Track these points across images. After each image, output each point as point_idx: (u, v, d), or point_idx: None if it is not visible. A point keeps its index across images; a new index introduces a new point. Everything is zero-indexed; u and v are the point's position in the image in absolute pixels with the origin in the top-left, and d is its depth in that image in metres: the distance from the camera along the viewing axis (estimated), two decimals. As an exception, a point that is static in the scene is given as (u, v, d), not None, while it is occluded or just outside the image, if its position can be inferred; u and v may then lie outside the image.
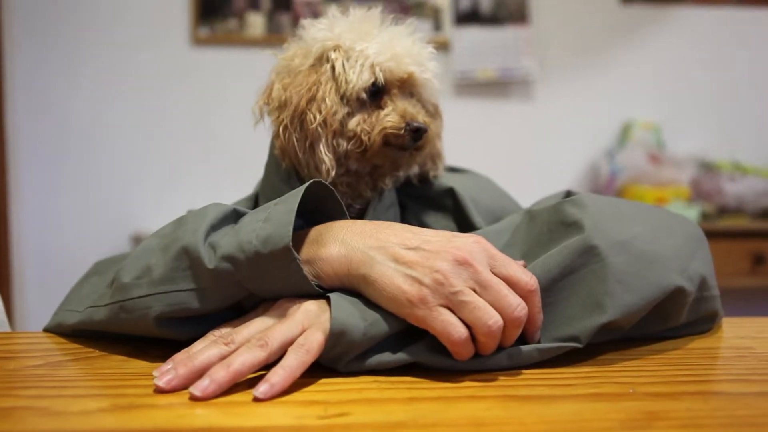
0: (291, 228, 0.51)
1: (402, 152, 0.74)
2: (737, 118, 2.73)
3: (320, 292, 0.53)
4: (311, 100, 0.71)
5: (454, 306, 0.50)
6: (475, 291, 0.50)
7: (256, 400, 0.46)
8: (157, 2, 2.55)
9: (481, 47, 2.62)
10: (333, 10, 0.77)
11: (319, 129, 0.71)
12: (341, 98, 0.72)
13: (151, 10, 2.54)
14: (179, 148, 2.58)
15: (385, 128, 0.72)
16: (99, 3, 2.52)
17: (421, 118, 0.74)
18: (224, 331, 0.53)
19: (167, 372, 0.48)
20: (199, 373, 0.48)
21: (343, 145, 0.73)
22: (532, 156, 2.68)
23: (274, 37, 2.54)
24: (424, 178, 0.81)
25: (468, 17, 2.63)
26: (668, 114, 2.68)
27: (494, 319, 0.49)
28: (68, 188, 2.54)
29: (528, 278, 0.52)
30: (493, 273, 0.51)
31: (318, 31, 0.75)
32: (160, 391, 0.47)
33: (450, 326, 0.49)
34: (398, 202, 0.80)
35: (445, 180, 0.80)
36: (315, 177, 0.69)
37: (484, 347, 0.51)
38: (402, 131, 0.72)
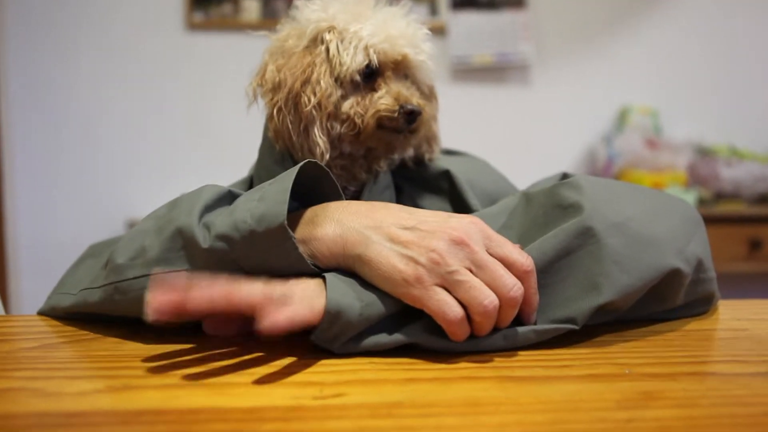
0: (286, 206, 0.51)
1: (396, 135, 0.74)
2: (734, 104, 2.73)
3: (316, 271, 0.53)
4: (306, 82, 0.71)
5: (449, 285, 0.49)
6: (471, 271, 0.50)
7: (259, 333, 0.45)
8: (151, -13, 2.53)
9: (477, 32, 2.61)
10: None
11: (314, 111, 0.70)
12: (335, 80, 0.72)
13: (145, -5, 2.53)
14: (174, 133, 2.57)
15: (378, 111, 0.71)
16: (93, -10, 2.51)
17: (416, 100, 0.73)
18: None
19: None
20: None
21: (337, 127, 0.72)
22: (529, 141, 2.68)
23: (270, 21, 2.52)
24: (419, 161, 0.81)
25: (464, 1, 2.62)
26: (665, 99, 2.68)
27: (490, 299, 0.49)
28: (63, 175, 2.53)
29: (524, 259, 0.52)
30: (488, 253, 0.51)
31: (312, 12, 0.74)
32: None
33: (445, 306, 0.49)
34: (394, 184, 0.80)
35: (441, 162, 0.79)
36: (319, 159, 0.69)
37: (479, 327, 0.50)
38: (396, 114, 0.71)
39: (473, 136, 2.33)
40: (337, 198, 0.59)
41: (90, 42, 2.51)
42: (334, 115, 0.72)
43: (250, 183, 0.80)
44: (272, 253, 0.52)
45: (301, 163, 0.55)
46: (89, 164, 2.54)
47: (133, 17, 2.53)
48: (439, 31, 2.56)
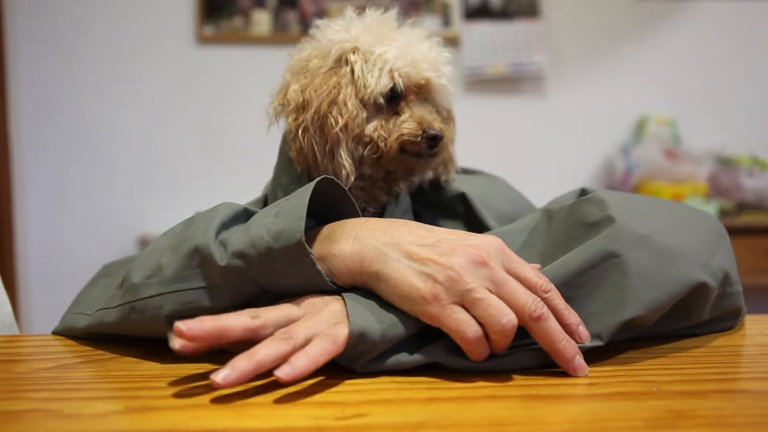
0: (303, 222, 0.50)
1: (417, 159, 0.74)
2: (755, 112, 2.70)
3: (334, 288, 0.53)
4: (332, 103, 0.70)
5: (467, 303, 0.49)
6: (489, 290, 0.49)
7: (278, 380, 0.45)
8: (161, 1, 2.55)
9: (491, 42, 2.60)
10: (348, 11, 0.76)
11: (340, 134, 0.70)
12: (360, 102, 0.72)
13: (155, 9, 2.55)
14: (185, 148, 2.58)
15: (402, 135, 0.72)
16: (102, 4, 2.53)
17: (437, 125, 0.73)
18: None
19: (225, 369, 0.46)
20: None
21: (360, 150, 0.72)
22: (545, 153, 2.66)
23: (281, 35, 2.53)
24: (435, 184, 0.80)
25: (478, 12, 2.62)
26: (684, 108, 2.66)
27: (508, 318, 0.48)
28: (73, 191, 2.54)
29: (542, 281, 0.51)
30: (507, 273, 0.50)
31: (335, 33, 0.74)
32: (217, 387, 0.45)
33: (463, 324, 0.48)
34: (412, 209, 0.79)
35: (457, 184, 0.79)
36: (344, 182, 0.69)
37: (496, 346, 0.49)
38: (419, 138, 0.72)
39: (487, 147, 2.32)
40: (355, 216, 0.58)
41: (99, 56, 2.53)
42: (358, 138, 0.72)
43: (265, 202, 0.79)
44: (290, 270, 0.52)
45: (318, 179, 0.55)
46: (99, 179, 2.55)
47: (143, 31, 2.55)
48: (452, 42, 2.56)
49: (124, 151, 2.56)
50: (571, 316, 0.51)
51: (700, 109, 2.68)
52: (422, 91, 0.75)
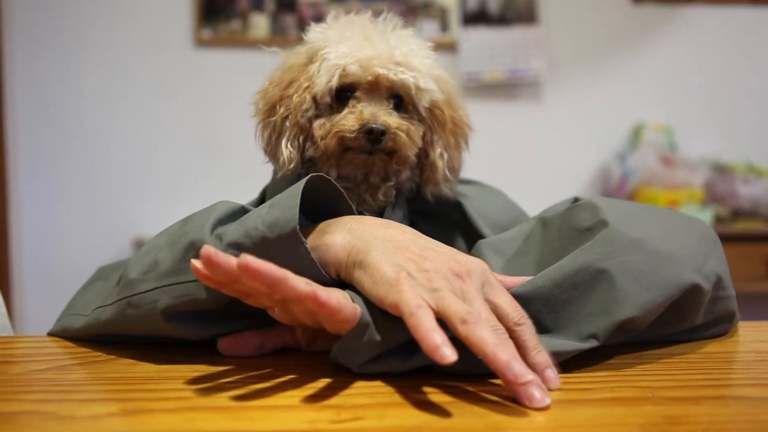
0: (297, 211, 0.51)
1: (367, 156, 0.72)
2: (751, 119, 2.71)
3: (327, 278, 0.53)
4: (284, 96, 0.73)
5: (431, 301, 0.47)
6: None
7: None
8: (159, 3, 2.55)
9: (489, 48, 2.61)
10: (333, 13, 0.78)
11: (285, 123, 0.73)
12: (314, 101, 0.73)
13: (153, 12, 2.55)
14: (182, 151, 2.58)
15: (338, 131, 0.71)
16: (100, 7, 2.53)
17: (383, 119, 0.71)
18: None
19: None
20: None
21: (311, 148, 0.74)
22: (542, 159, 2.67)
23: (279, 38, 2.54)
24: (428, 193, 0.79)
25: (475, 17, 2.63)
26: (680, 115, 2.66)
27: (472, 315, 0.45)
28: (69, 194, 2.54)
29: (516, 315, 0.50)
30: (484, 299, 0.50)
31: (315, 33, 0.76)
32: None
33: (413, 299, 0.46)
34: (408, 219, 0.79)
35: (453, 194, 0.79)
36: (281, 170, 0.73)
37: (466, 335, 0.45)
38: (354, 133, 0.71)
39: (484, 153, 2.31)
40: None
41: (97, 59, 2.53)
42: (309, 134, 0.73)
43: (261, 202, 0.80)
44: (284, 260, 0.51)
45: (311, 175, 0.55)
46: (96, 182, 2.55)
47: (141, 34, 2.55)
48: (450, 48, 2.57)
49: (121, 154, 2.55)
50: (539, 356, 0.48)
51: (697, 116, 2.69)
52: (379, 89, 0.73)
